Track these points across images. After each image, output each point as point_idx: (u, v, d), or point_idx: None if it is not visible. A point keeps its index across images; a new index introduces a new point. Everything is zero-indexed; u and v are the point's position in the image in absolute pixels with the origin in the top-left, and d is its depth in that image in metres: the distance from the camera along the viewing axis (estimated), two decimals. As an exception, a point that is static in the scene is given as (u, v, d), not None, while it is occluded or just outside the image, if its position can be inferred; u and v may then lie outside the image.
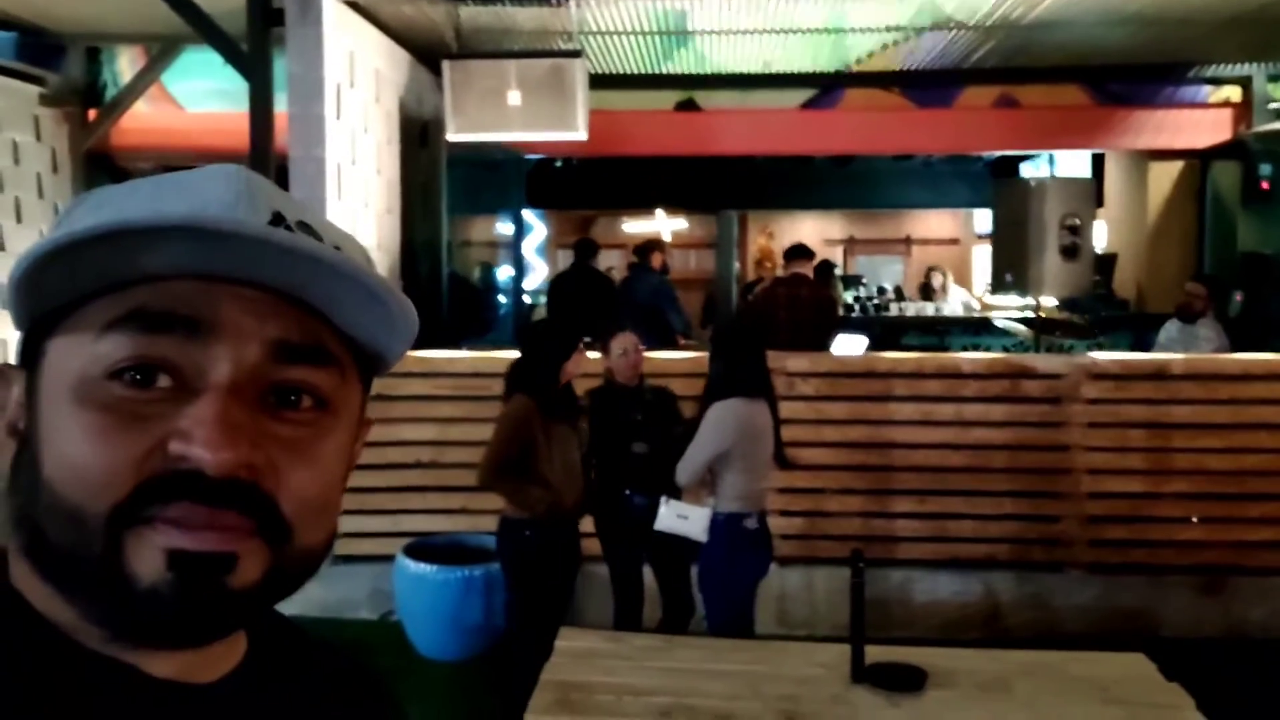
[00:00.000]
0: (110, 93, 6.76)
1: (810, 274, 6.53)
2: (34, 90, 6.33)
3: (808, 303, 6.37)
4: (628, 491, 4.16)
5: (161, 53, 6.58)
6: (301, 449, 0.58)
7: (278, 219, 0.57)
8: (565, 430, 3.93)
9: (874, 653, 2.95)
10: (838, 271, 11.72)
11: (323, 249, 0.56)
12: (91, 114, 6.68)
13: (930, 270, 10.71)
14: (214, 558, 0.54)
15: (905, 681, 2.88)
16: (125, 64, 6.80)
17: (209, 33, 5.07)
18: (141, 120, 6.85)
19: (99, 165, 6.80)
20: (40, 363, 0.58)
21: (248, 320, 0.56)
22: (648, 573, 4.36)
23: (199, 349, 0.55)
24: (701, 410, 3.86)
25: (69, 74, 6.58)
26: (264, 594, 0.57)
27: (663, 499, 3.91)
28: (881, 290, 11.81)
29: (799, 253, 6.57)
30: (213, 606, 0.55)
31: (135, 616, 0.54)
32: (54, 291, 0.56)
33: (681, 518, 3.88)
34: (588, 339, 4.22)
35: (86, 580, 0.54)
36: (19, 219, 6.12)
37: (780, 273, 7.15)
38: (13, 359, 0.62)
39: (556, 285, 8.19)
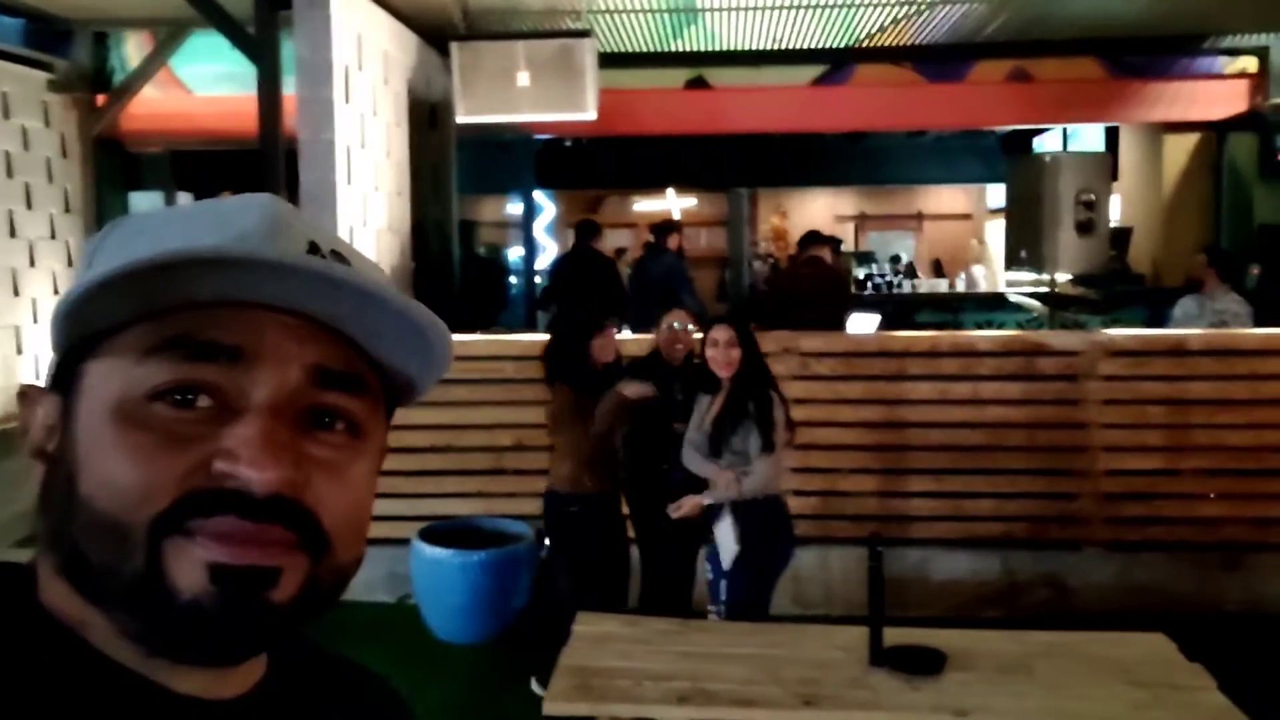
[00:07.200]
0: (118, 78, 6.74)
1: (828, 257, 6.66)
2: (42, 76, 6.32)
3: (830, 284, 6.53)
4: (666, 467, 4.04)
5: (169, 37, 6.56)
6: (337, 470, 0.59)
7: (313, 249, 0.59)
8: None
9: (892, 635, 2.95)
10: (847, 248, 11.78)
11: (374, 283, 0.57)
12: (100, 99, 6.66)
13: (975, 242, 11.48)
14: (257, 572, 0.54)
15: (924, 664, 2.88)
16: (133, 49, 6.77)
17: (216, 17, 5.04)
18: (150, 105, 6.82)
19: (108, 150, 6.79)
20: (77, 385, 0.58)
21: (289, 345, 0.57)
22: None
23: (241, 372, 0.56)
24: (743, 394, 3.71)
25: (77, 59, 6.56)
26: (300, 610, 0.57)
27: (724, 514, 3.71)
28: (896, 259, 11.83)
29: (815, 239, 6.72)
30: (253, 620, 0.55)
31: (176, 630, 0.54)
32: (94, 318, 0.57)
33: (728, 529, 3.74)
34: (614, 320, 4.27)
35: (127, 594, 0.54)
36: (29, 204, 6.12)
37: (792, 253, 7.22)
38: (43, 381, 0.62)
39: (557, 267, 8.18)
